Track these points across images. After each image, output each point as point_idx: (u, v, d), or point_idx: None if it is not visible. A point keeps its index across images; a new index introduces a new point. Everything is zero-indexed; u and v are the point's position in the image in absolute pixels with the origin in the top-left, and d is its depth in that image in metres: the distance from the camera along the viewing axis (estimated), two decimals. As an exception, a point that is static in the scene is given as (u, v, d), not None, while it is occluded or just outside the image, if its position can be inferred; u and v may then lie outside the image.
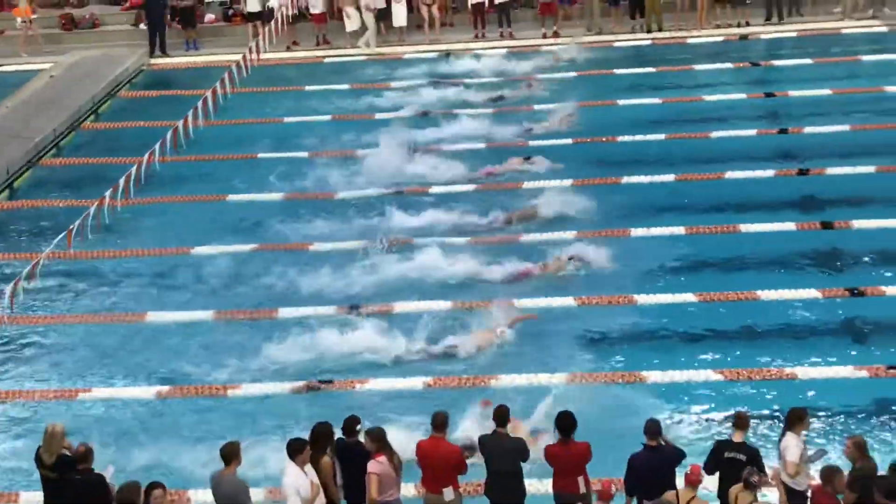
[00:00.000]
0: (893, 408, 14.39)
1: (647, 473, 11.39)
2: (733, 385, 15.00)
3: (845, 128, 23.31)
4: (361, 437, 11.89)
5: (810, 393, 14.68)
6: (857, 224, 19.25)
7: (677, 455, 11.59)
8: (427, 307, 17.35)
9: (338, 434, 12.04)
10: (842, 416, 14.25)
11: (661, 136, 23.62)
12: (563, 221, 19.89)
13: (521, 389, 15.02)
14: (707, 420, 14.29)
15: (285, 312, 17.70)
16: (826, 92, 25.50)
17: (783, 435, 11.57)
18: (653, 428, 11.52)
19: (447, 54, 30.11)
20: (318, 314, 17.46)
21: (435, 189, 21.75)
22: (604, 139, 23.79)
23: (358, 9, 30.80)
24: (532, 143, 23.73)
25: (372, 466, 11.52)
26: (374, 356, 16.18)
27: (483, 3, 31.10)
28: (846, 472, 10.98)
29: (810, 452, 11.67)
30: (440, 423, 11.82)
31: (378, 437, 11.69)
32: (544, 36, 30.80)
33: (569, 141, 23.75)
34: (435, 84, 27.78)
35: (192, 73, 29.89)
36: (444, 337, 16.49)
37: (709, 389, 14.87)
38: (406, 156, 22.94)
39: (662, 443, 11.52)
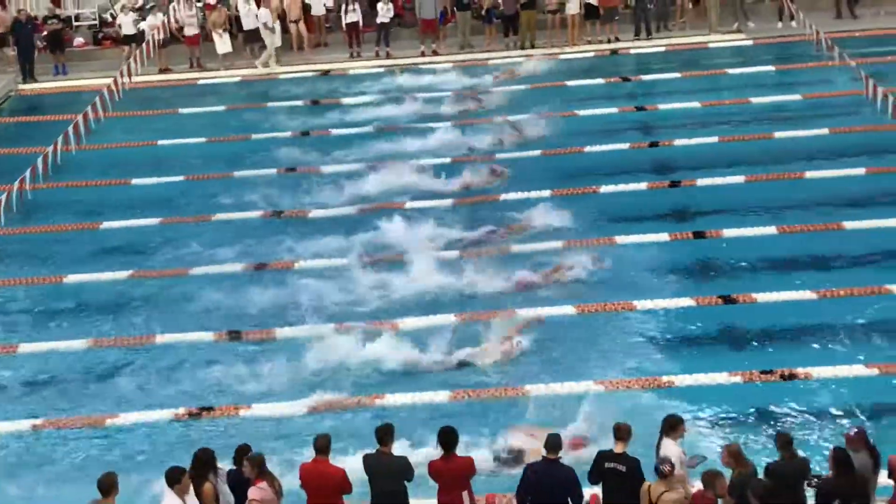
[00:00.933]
0: (767, 411, 14.74)
1: (538, 486, 11.49)
2: (613, 394, 15.18)
3: (714, 139, 23.88)
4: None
5: (687, 399, 14.94)
6: (729, 233, 19.68)
7: (573, 473, 11.63)
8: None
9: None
10: (719, 421, 14.54)
11: (537, 153, 23.93)
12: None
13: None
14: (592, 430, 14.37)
15: (166, 338, 17.46)
16: (695, 104, 26.11)
17: (660, 442, 11.77)
18: (552, 441, 11.65)
19: (326, 73, 30.12)
20: (201, 340, 17.27)
21: (317, 213, 21.69)
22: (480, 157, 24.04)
23: (227, 31, 30.63)
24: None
25: (252, 493, 11.42)
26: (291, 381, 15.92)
27: (358, 23, 31.18)
28: (727, 476, 11.21)
29: (689, 458, 11.88)
30: (322, 446, 11.79)
31: (257, 462, 11.60)
32: (423, 54, 30.97)
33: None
34: (314, 104, 27.74)
35: (61, 97, 29.36)
36: (460, 350, 16.46)
37: (590, 400, 15.03)
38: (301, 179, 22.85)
39: (560, 456, 11.64)
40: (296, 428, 14.80)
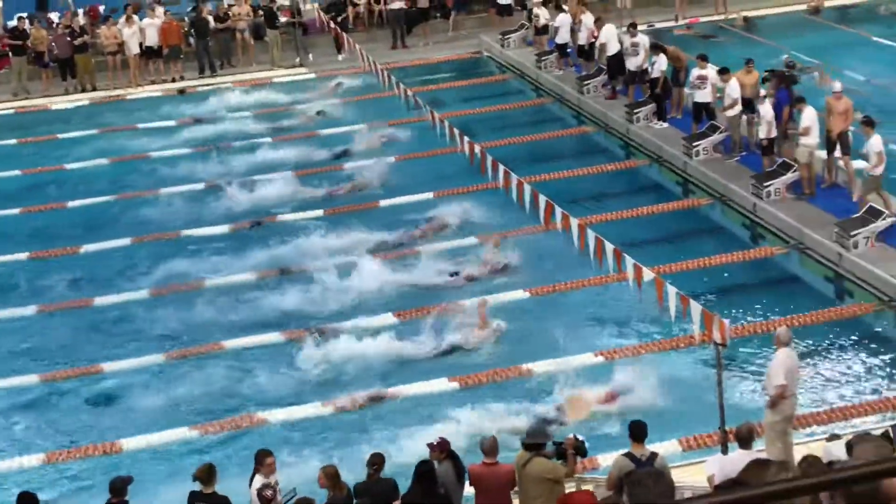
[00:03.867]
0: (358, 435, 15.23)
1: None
2: (205, 438, 15.16)
3: (289, 174, 24.30)
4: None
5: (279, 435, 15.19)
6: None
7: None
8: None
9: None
10: (309, 450, 14.79)
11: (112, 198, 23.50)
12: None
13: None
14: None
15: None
16: (268, 140, 26.50)
17: (252, 478, 11.95)
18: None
19: None
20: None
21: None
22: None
23: None
24: None
25: None
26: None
27: None
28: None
29: (283, 496, 12.02)
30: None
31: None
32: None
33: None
34: None
35: None
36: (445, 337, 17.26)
37: (185, 446, 14.90)
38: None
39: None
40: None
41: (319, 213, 22.30)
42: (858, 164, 19.56)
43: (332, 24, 29.47)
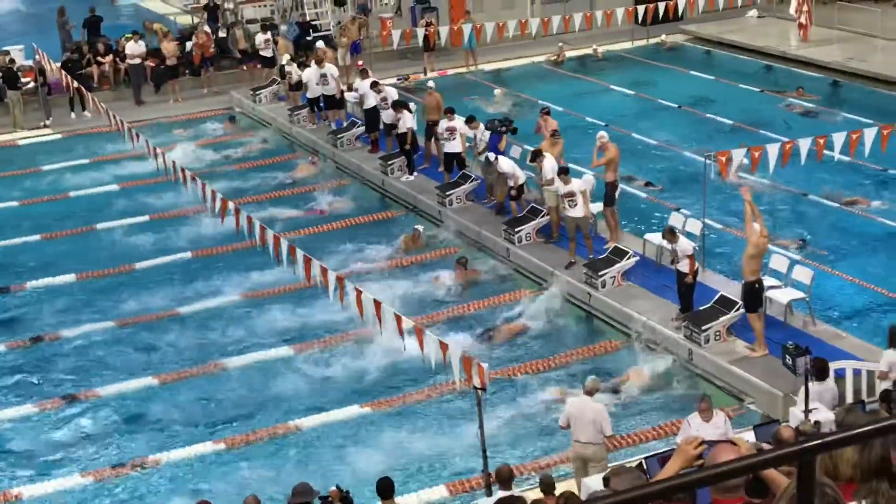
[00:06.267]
0: None
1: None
2: None
3: (36, 237, 23.50)
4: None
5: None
6: (67, 333, 19.49)
7: None
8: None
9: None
10: None
11: None
12: None
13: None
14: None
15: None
16: (13, 204, 25.56)
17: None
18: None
19: None
20: None
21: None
22: None
23: None
24: None
25: None
26: None
27: None
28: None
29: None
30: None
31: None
32: None
33: None
34: None
35: None
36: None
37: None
38: None
39: None
40: None
41: (71, 277, 21.64)
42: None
43: (74, 82, 28.68)
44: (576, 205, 19.66)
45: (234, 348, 18.81)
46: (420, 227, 22.45)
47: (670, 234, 17.63)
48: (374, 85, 25.76)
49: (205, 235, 23.04)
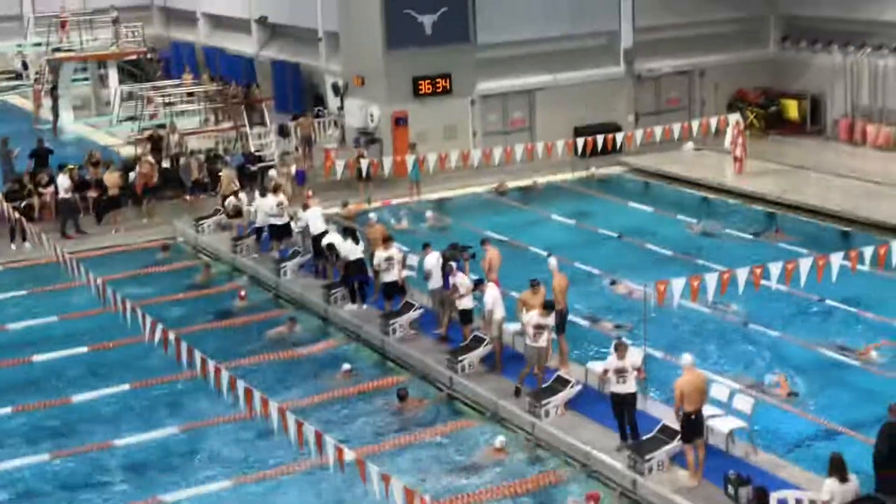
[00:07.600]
0: None
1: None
2: None
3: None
4: None
5: None
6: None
7: None
8: None
9: None
10: None
11: None
12: None
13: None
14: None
15: None
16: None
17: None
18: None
19: None
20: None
21: None
22: None
23: None
24: None
25: None
26: None
27: None
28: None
29: None
30: None
31: None
32: None
33: None
34: None
35: None
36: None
37: None
38: None
39: None
40: None
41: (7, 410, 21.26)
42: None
43: (15, 214, 28.47)
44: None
45: (173, 481, 18.47)
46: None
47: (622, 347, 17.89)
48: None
49: (145, 367, 22.78)
